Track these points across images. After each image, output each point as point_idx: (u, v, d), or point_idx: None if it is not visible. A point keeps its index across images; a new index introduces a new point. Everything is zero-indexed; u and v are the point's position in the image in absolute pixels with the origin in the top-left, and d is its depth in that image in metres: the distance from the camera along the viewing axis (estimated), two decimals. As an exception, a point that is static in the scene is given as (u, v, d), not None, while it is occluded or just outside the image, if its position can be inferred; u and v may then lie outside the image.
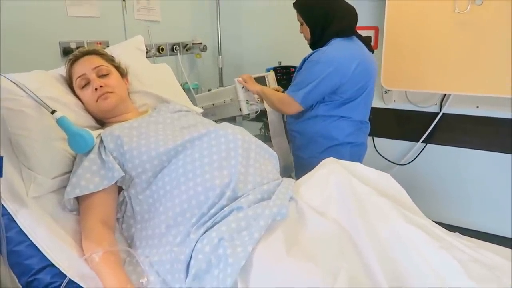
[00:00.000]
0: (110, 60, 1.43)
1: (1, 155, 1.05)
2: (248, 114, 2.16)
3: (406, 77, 2.20)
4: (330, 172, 1.23)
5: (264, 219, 1.00)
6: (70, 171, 1.22)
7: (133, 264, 1.11)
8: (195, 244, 0.99)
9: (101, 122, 1.40)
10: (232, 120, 2.26)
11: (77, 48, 1.99)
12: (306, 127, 1.85)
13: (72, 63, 1.37)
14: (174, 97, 1.63)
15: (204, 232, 1.02)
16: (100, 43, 2.10)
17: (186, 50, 2.69)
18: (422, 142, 2.48)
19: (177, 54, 2.59)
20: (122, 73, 1.45)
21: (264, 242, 0.95)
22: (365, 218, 1.07)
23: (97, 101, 1.32)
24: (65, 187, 1.18)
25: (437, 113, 2.40)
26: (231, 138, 1.20)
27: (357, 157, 1.87)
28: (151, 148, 1.18)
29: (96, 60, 1.37)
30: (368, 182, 1.18)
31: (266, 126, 2.52)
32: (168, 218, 1.12)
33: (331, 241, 1.01)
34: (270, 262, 0.90)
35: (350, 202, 1.11)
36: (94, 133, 1.22)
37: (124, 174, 1.18)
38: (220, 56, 2.83)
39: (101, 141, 1.23)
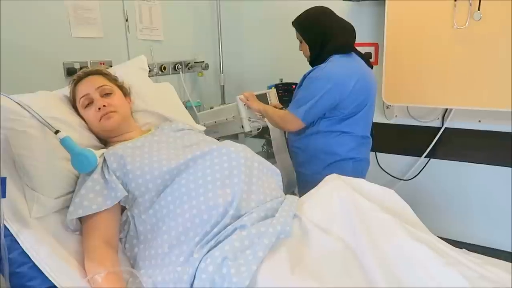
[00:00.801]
0: (113, 79, 1.45)
1: (4, 176, 1.06)
2: (250, 131, 2.17)
3: (407, 92, 2.21)
4: (333, 188, 1.22)
5: (268, 238, 0.99)
6: (73, 191, 1.22)
7: (136, 284, 1.10)
8: (199, 264, 0.99)
9: (105, 142, 1.40)
10: (235, 137, 2.27)
11: (81, 68, 2.01)
12: (308, 144, 1.85)
13: (76, 83, 1.39)
14: (176, 115, 1.64)
15: (208, 252, 1.01)
16: (103, 63, 2.13)
17: (188, 68, 2.71)
18: (425, 157, 2.47)
19: (179, 73, 2.61)
20: (125, 93, 1.46)
21: (268, 261, 0.94)
22: (369, 235, 1.06)
23: (100, 120, 1.33)
24: (68, 207, 1.18)
25: (439, 128, 2.40)
26: (233, 156, 1.20)
27: (360, 172, 1.87)
28: (154, 168, 1.19)
29: (99, 80, 1.39)
30: (372, 198, 1.18)
31: (268, 143, 2.53)
32: (171, 237, 1.11)
33: (335, 259, 1.00)
34: (275, 281, 0.89)
35: (354, 219, 1.10)
36: (97, 153, 1.22)
37: (127, 194, 1.17)
38: (222, 74, 2.85)
39: (104, 160, 1.23)
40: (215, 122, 2.21)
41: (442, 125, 2.39)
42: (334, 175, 1.36)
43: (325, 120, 1.79)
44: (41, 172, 1.17)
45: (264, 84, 2.56)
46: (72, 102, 1.40)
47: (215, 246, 1.02)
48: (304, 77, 1.82)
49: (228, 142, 1.29)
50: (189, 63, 2.70)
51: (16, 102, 1.17)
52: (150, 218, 1.18)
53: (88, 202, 1.14)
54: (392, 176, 2.58)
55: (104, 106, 1.32)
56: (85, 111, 1.35)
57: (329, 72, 1.71)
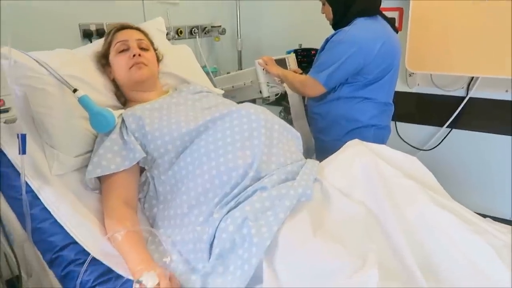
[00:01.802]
0: (151, 41, 1.45)
1: (24, 133, 1.06)
2: (268, 97, 2.13)
3: (431, 59, 2.12)
4: (355, 153, 1.19)
5: (289, 200, 0.98)
6: (92, 150, 1.22)
7: (155, 243, 1.10)
8: (219, 224, 0.98)
9: (124, 102, 1.38)
10: (252, 103, 2.22)
11: (97, 30, 1.99)
12: (329, 110, 1.80)
13: (115, 31, 1.38)
14: (194, 78, 1.61)
15: (227, 212, 1.00)
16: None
17: (205, 33, 2.64)
18: (446, 127, 2.40)
19: (195, 37, 2.55)
20: (158, 57, 1.46)
21: (289, 223, 0.92)
22: (392, 200, 1.04)
23: (130, 68, 1.31)
24: (87, 165, 1.18)
25: (464, 97, 2.31)
26: (253, 118, 1.17)
27: (380, 140, 1.82)
28: (173, 129, 1.17)
29: (139, 35, 1.40)
30: (394, 165, 1.15)
31: (286, 109, 2.48)
32: (190, 198, 1.10)
33: (357, 223, 0.98)
34: (296, 243, 0.88)
35: (377, 184, 1.08)
36: (116, 113, 1.20)
37: (145, 155, 1.16)
38: (239, 39, 2.78)
39: (123, 121, 1.21)
40: (233, 87, 2.17)
41: (467, 94, 2.30)
42: (356, 140, 1.33)
43: (347, 85, 1.73)
44: (60, 131, 1.17)
45: (282, 49, 2.48)
46: (104, 50, 1.38)
47: (235, 207, 1.01)
48: (327, 40, 1.75)
49: (247, 104, 1.26)
50: (206, 27, 2.63)
51: (34, 59, 1.15)
52: (169, 179, 1.17)
53: (107, 162, 1.14)
54: (412, 146, 2.52)
55: (139, 55, 1.31)
56: (117, 56, 1.34)
57: (353, 36, 1.64)
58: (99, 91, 1.31)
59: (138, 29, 1.44)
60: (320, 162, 1.27)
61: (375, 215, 1.03)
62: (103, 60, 1.38)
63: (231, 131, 1.15)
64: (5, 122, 0.96)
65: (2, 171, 1.13)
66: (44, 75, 1.16)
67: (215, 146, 1.13)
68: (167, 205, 1.16)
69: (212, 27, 2.66)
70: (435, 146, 2.46)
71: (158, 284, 0.88)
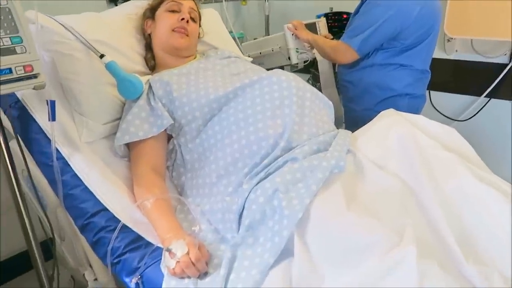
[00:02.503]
0: (200, 16, 1.42)
1: (53, 99, 1.05)
2: (297, 64, 2.05)
3: (472, 23, 1.97)
4: (391, 124, 1.14)
5: (322, 171, 0.94)
6: (120, 118, 1.20)
7: (184, 212, 1.10)
8: (248, 195, 0.96)
9: (152, 67, 1.36)
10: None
11: None
12: (361, 77, 1.72)
13: None
14: (222, 44, 1.55)
15: (257, 183, 0.97)
16: None
17: None
18: (485, 97, 2.27)
19: (221, 1, 2.48)
20: (200, 33, 1.42)
21: (321, 195, 0.89)
22: (429, 173, 0.99)
23: (174, 30, 1.28)
24: (115, 133, 1.17)
25: (506, 65, 2.16)
26: (285, 85, 1.12)
27: (415, 110, 1.74)
28: (201, 95, 1.13)
29: (193, 5, 1.37)
30: (431, 136, 1.09)
31: (314, 77, 2.40)
32: (219, 167, 1.08)
33: (393, 197, 0.94)
34: (329, 216, 0.85)
35: (413, 156, 1.02)
36: (143, 79, 1.18)
37: (173, 122, 1.14)
38: (267, 2, 2.67)
39: (150, 87, 1.19)
40: (260, 53, 2.10)
41: (510, 61, 2.15)
42: (391, 110, 1.27)
43: (382, 51, 1.64)
44: (88, 98, 1.16)
45: (312, 13, 2.37)
46: (155, 4, 1.35)
47: (265, 178, 0.98)
48: (362, 3, 1.65)
49: (278, 71, 1.21)
50: (233, -10, 2.55)
51: (60, 23, 1.12)
52: (197, 147, 1.15)
53: (135, 129, 1.12)
54: (446, 116, 2.41)
55: (187, 21, 1.28)
56: (166, 13, 1.31)
57: (390, -3, 1.53)
58: (127, 56, 1.28)
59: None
60: (352, 132, 1.22)
61: (410, 187, 0.98)
62: (149, 13, 1.35)
63: (261, 99, 1.11)
64: (34, 88, 0.95)
65: (33, 137, 1.14)
66: (71, 40, 1.14)
67: (245, 114, 1.09)
68: (195, 174, 1.15)
69: (239, -11, 2.57)
70: (471, 117, 2.34)
71: (188, 253, 0.88)
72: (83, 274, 1.18)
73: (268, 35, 2.69)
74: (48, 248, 1.17)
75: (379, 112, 1.70)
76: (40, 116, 1.13)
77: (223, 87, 1.15)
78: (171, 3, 1.32)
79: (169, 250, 0.90)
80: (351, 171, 1.03)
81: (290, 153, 1.02)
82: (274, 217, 0.89)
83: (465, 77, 2.32)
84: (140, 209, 1.08)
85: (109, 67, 1.12)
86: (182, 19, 1.28)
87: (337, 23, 2.29)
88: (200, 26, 1.42)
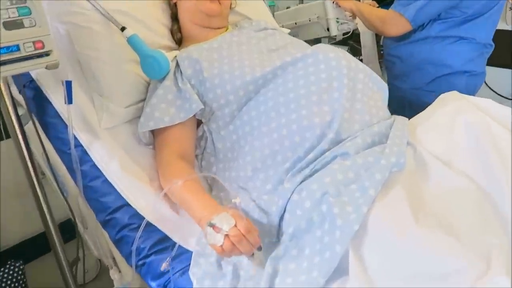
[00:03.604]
0: None
1: (69, 79, 0.93)
2: (335, 36, 1.85)
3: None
4: (457, 110, 0.96)
5: (380, 171, 0.79)
6: (144, 99, 1.07)
7: (218, 189, 1.00)
8: (291, 195, 0.82)
9: (179, 40, 1.21)
10: (317, 42, 1.97)
11: None
12: (412, 52, 1.52)
13: None
14: (256, 13, 1.38)
15: (302, 182, 0.83)
16: None
17: None
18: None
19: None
20: (232, 3, 1.23)
21: (381, 202, 0.74)
22: (509, 174, 0.82)
23: None
24: (139, 117, 1.04)
25: None
26: (334, 64, 0.95)
27: (472, 91, 1.53)
28: (236, 76, 0.98)
29: None
30: (507, 126, 0.91)
31: (353, 49, 2.20)
32: (255, 159, 0.94)
33: (466, 204, 0.78)
34: (394, 230, 0.70)
35: (488, 152, 0.85)
36: (169, 56, 1.03)
37: (203, 107, 1.00)
38: (303, -33, 2.43)
39: (177, 65, 1.05)
40: (295, 23, 1.90)
41: None
42: (454, 92, 1.09)
43: (439, 22, 1.42)
44: (109, 77, 1.03)
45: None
46: None
47: (310, 175, 0.84)
48: (417, -34, 1.43)
49: (324, 46, 1.04)
50: (264, -48, 2.32)
51: (76, -8, 0.98)
52: (230, 135, 1.01)
53: (160, 113, 0.99)
54: (500, 95, 2.17)
55: None
56: None
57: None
58: (151, 29, 1.13)
59: None
60: (409, 119, 1.06)
61: (485, 191, 0.81)
62: None
63: (306, 81, 0.95)
64: (46, 68, 0.82)
65: (49, 122, 1.02)
66: (88, 11, 1.00)
67: (286, 99, 0.94)
68: (227, 165, 1.01)
69: (270, -48, 2.34)
70: (530, 96, 2.10)
71: (235, 225, 0.75)
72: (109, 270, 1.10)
73: (302, 3, 2.47)
74: (73, 227, 1.09)
75: (430, 92, 1.53)
76: (56, 98, 1.01)
77: (261, 66, 1.00)
78: None
79: (212, 225, 0.76)
80: (411, 168, 0.87)
81: (340, 146, 0.87)
82: (323, 225, 0.75)
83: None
84: (167, 200, 0.96)
85: (131, 42, 0.98)
86: None
87: (381, -12, 2.06)
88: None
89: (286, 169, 0.88)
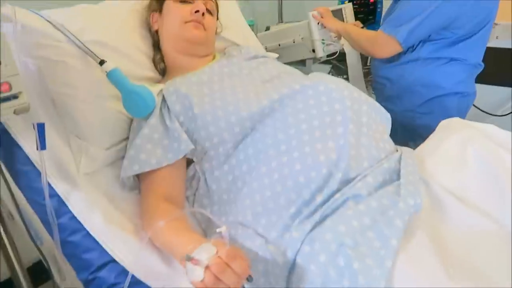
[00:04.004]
0: (217, 7, 1.17)
1: (42, 122, 0.82)
2: (320, 57, 1.80)
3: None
4: (465, 140, 0.91)
5: (400, 217, 0.71)
6: (127, 138, 0.97)
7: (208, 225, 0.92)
8: (301, 246, 0.74)
9: (163, 70, 1.12)
10: (301, 63, 1.92)
11: None
12: (402, 73, 1.48)
13: None
14: (243, 39, 1.31)
15: (312, 230, 0.75)
16: None
17: None
18: (529, 89, 2.04)
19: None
20: (217, 28, 1.18)
21: (405, 254, 0.67)
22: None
23: (186, 23, 1.04)
24: (122, 158, 0.94)
25: (554, 52, 1.93)
26: (335, 96, 0.88)
27: (463, 111, 1.51)
28: (230, 112, 0.90)
29: None
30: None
31: (336, 68, 2.16)
32: (255, 203, 0.85)
33: (492, 247, 0.72)
34: (424, 286, 0.62)
35: (505, 187, 0.80)
36: (154, 90, 0.94)
37: (193, 147, 0.91)
38: (280, -15, 2.40)
39: (163, 100, 0.95)
40: (279, 45, 1.85)
41: (559, 48, 1.91)
42: (457, 119, 1.05)
43: (429, 43, 1.39)
44: (88, 116, 0.92)
45: (332, -3, 2.12)
46: None
47: (320, 222, 0.76)
48: (406, -14, 1.40)
49: (323, 76, 0.97)
50: (241, -28, 2.27)
51: (48, 21, 0.88)
52: (225, 176, 0.92)
53: (146, 155, 0.89)
54: (482, 110, 2.17)
55: (203, 14, 1.05)
56: (176, 4, 1.07)
57: (442, -22, 1.28)
58: (132, 59, 1.04)
59: None
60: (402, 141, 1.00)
61: (507, 231, 0.76)
62: (155, 4, 1.11)
63: (307, 115, 0.87)
64: (14, 113, 0.72)
65: (19, 170, 0.90)
66: (62, 43, 0.90)
67: (286, 135, 0.86)
68: (223, 208, 0.92)
69: (248, -29, 2.30)
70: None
71: (217, 253, 0.64)
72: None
73: (282, 22, 2.43)
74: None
75: (423, 114, 1.49)
76: (27, 143, 0.89)
77: (257, 100, 0.91)
78: None
79: (190, 258, 0.64)
80: (425, 206, 0.80)
81: (350, 187, 0.79)
82: (341, 282, 0.67)
83: (505, 67, 2.08)
84: (156, 250, 0.85)
85: (112, 77, 0.88)
86: (197, 11, 1.04)
87: (363, 8, 2.03)
88: (217, 19, 1.18)
89: (291, 215, 0.79)
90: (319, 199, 0.79)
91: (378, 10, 2.05)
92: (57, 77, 0.90)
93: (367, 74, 1.91)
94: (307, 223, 0.76)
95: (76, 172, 0.90)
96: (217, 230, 0.66)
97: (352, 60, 1.78)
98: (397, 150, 0.94)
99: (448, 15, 1.30)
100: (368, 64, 1.90)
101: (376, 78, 1.62)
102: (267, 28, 2.19)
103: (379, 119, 0.95)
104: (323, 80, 0.92)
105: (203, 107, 0.91)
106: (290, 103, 0.90)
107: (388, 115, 0.98)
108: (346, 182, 0.81)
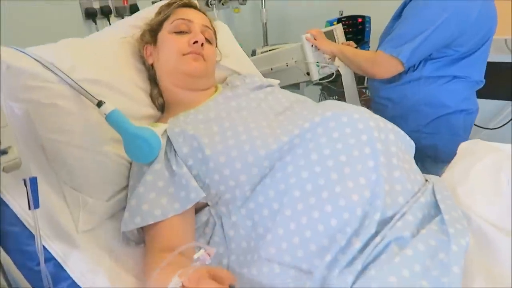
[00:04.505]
0: (215, 35, 1.10)
1: (34, 176, 0.71)
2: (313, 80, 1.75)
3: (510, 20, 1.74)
4: (495, 166, 0.86)
5: (456, 262, 0.64)
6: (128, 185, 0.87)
7: None
8: (345, 303, 0.65)
9: (161, 105, 1.02)
10: (295, 87, 1.86)
11: (101, 8, 1.62)
12: (405, 93, 1.43)
13: (179, 6, 1.04)
14: (241, 66, 1.23)
15: (354, 282, 0.66)
16: (126, 1, 1.73)
17: (222, 3, 2.29)
18: (518, 101, 2.04)
19: (212, 10, 2.19)
20: (217, 56, 1.11)
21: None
22: None
23: (184, 55, 0.96)
24: (124, 208, 0.83)
25: (542, 64, 1.95)
26: (361, 127, 0.81)
27: (468, 128, 1.48)
28: (246, 151, 0.81)
29: (206, 21, 1.06)
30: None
31: (327, 89, 2.13)
32: (282, 251, 0.76)
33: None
34: None
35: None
36: (158, 131, 0.84)
37: (204, 195, 0.81)
38: (264, 9, 2.36)
39: (168, 141, 0.86)
40: (271, 69, 1.79)
41: (546, 60, 1.93)
42: (477, 141, 1.01)
43: (431, 62, 1.36)
44: (84, 165, 0.81)
45: (318, 20, 2.09)
46: (155, 24, 1.03)
47: (363, 271, 0.67)
48: (405, 4, 1.37)
49: (341, 105, 0.90)
50: (224, -4, 2.26)
51: (36, 60, 0.78)
52: (243, 221, 0.82)
53: (149, 206, 0.79)
54: (475, 124, 2.16)
55: (202, 45, 0.97)
56: (172, 35, 0.99)
57: (444, -5, 1.25)
58: (129, 96, 0.94)
59: (205, 14, 1.08)
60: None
61: None
62: (149, 36, 1.02)
63: (332, 150, 0.79)
64: (4, 171, 0.61)
65: (7, 231, 0.77)
66: (52, 83, 0.79)
67: (311, 174, 0.78)
68: (243, 258, 0.82)
69: (231, -5, 2.29)
70: (504, 124, 2.11)
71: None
72: None
73: (267, 45, 2.39)
74: None
75: (429, 134, 1.45)
76: (16, 201, 0.76)
77: (273, 136, 0.83)
78: (178, 21, 1.00)
79: None
80: (472, 243, 0.73)
81: (390, 228, 0.71)
82: None
83: (495, 80, 2.07)
84: None
85: (112, 119, 0.78)
86: (195, 42, 0.96)
87: (352, 28, 2.02)
88: (216, 46, 1.10)
89: (327, 264, 0.70)
90: (357, 244, 0.70)
91: (367, 29, 2.03)
92: (48, 122, 0.79)
93: (360, 94, 1.87)
94: (348, 274, 0.67)
95: (74, 230, 0.79)
96: (194, 256, 0.61)
97: (348, 81, 1.73)
98: (426, 180, 0.87)
99: (451, 32, 1.27)
100: (365, 84, 1.86)
101: (376, 99, 1.57)
102: (253, 51, 2.14)
103: (404, 147, 0.88)
104: (344, 110, 0.84)
105: (215, 147, 0.82)
106: (311, 137, 0.82)
107: (412, 143, 0.92)
108: (384, 222, 0.73)
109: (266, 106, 0.95)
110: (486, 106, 2.13)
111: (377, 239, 0.70)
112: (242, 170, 0.80)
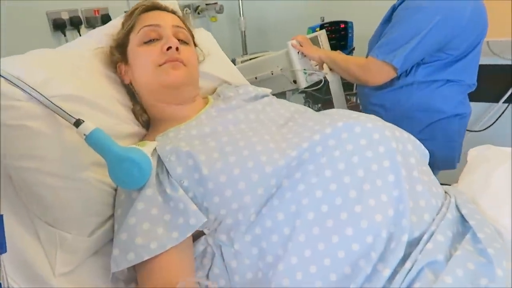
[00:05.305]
0: (191, 31, 0.98)
1: (0, 213, 0.58)
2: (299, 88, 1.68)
3: (492, 23, 1.73)
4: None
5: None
6: (113, 215, 0.75)
7: None
8: None
9: (146, 122, 0.91)
10: (282, 95, 1.78)
11: (71, 19, 1.52)
12: (398, 99, 1.38)
13: (143, 11, 0.92)
14: (230, 74, 1.14)
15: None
16: (97, 12, 1.62)
17: (198, 13, 2.19)
18: (503, 102, 2.04)
19: (188, 18, 2.07)
20: (198, 56, 0.99)
21: None
22: None
23: (162, 65, 0.84)
24: (110, 242, 0.71)
25: (526, 66, 1.95)
26: (377, 138, 0.73)
27: (463, 133, 1.44)
28: (250, 169, 0.71)
29: (177, 20, 0.93)
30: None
31: (310, 97, 2.06)
32: (297, 283, 0.66)
33: None
34: None
35: None
36: (147, 150, 0.73)
37: (205, 219, 0.71)
38: (242, 17, 2.28)
39: (159, 161, 0.75)
40: (256, 78, 1.70)
41: (531, 62, 1.94)
42: (487, 146, 0.95)
43: (424, 66, 1.31)
44: (60, 195, 0.69)
45: (300, 26, 2.03)
46: (120, 38, 0.91)
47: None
48: (394, 8, 1.32)
49: (350, 113, 0.82)
50: (199, 6, 2.17)
51: (3, 77, 0.66)
52: (248, 249, 0.72)
53: (143, 239, 0.68)
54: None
55: (176, 49, 0.84)
56: (142, 47, 0.87)
57: (436, -1, 1.21)
58: (110, 113, 0.83)
59: (174, 12, 0.95)
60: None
61: None
62: (117, 52, 0.90)
63: (347, 164, 0.71)
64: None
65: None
66: (19, 101, 0.67)
67: (326, 192, 0.69)
68: (251, 292, 0.72)
69: (207, 4, 2.24)
70: (490, 126, 2.11)
71: None
72: None
73: (246, 54, 2.31)
74: None
75: (424, 140, 1.38)
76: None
77: (279, 151, 0.74)
78: (144, 29, 0.87)
79: None
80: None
81: (419, 251, 0.63)
82: None
83: (480, 82, 2.08)
84: None
85: (93, 140, 0.66)
86: (169, 48, 0.84)
87: (334, 34, 1.97)
88: (196, 45, 1.00)
89: (352, 295, 0.62)
90: (386, 272, 0.62)
91: (349, 35, 1.99)
92: (16, 147, 0.66)
93: (346, 100, 1.82)
94: (378, 307, 0.59)
95: (50, 273, 0.66)
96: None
97: (335, 88, 1.67)
98: (445, 192, 0.80)
99: (444, 35, 1.22)
100: (354, 90, 1.81)
101: (367, 105, 1.52)
102: (233, 61, 2.06)
103: (419, 156, 0.81)
104: (357, 120, 0.76)
105: (213, 166, 0.72)
106: (322, 151, 0.73)
107: (427, 152, 0.85)
108: (410, 244, 0.65)
109: (265, 118, 0.86)
110: (473, 108, 2.13)
111: (407, 264, 0.62)
112: (246, 190, 0.70)
